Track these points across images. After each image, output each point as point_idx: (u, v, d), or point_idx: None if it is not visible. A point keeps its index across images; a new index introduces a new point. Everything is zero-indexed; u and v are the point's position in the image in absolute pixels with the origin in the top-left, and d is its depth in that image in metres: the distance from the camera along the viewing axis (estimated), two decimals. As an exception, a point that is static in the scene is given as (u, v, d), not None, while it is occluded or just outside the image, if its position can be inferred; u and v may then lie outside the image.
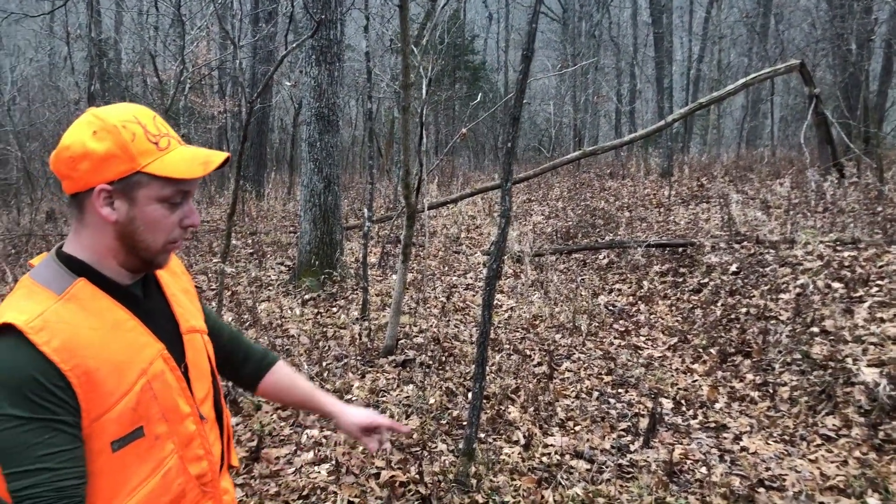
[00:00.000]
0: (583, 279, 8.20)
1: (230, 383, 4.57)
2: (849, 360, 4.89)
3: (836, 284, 6.07)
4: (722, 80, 22.16)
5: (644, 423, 4.53)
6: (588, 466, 3.97)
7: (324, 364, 5.48)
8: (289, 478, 3.81)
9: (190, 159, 1.28)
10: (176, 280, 1.53)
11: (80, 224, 1.29)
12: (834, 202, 8.88)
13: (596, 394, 5.10)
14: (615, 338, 6.32)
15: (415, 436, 4.23)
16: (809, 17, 16.84)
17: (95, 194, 1.24)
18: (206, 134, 19.25)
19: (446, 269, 8.86)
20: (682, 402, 4.97)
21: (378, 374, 5.32)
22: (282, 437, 4.32)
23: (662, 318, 6.74)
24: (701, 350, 5.81)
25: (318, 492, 3.65)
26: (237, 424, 4.48)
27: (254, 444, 4.14)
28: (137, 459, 1.25)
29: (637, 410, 4.83)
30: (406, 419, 4.50)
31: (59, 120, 17.65)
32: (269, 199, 14.96)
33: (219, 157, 1.31)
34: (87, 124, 1.25)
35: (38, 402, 1.12)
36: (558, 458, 4.05)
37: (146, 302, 1.37)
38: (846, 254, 6.65)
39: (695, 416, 4.74)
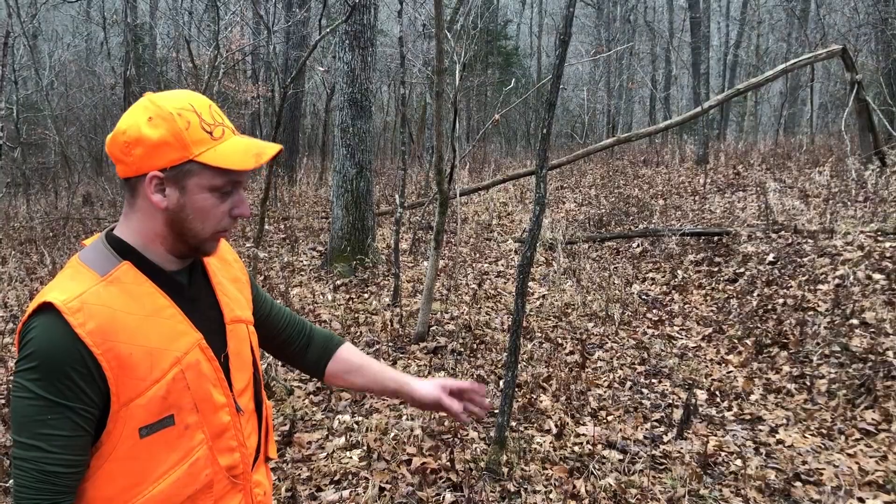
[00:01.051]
0: (616, 268, 8.12)
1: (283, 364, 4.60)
2: (889, 353, 4.79)
3: (876, 276, 5.93)
4: (760, 65, 21.75)
5: (678, 413, 4.48)
6: (620, 457, 3.94)
7: (355, 350, 5.49)
8: (320, 462, 3.83)
9: (243, 151, 1.28)
10: (226, 268, 1.52)
11: (131, 208, 1.30)
12: (875, 191, 8.68)
13: (629, 384, 5.06)
14: (648, 327, 6.26)
15: (446, 423, 4.23)
16: (851, 1, 16.43)
17: (147, 180, 1.25)
18: (240, 119, 19.38)
19: (477, 255, 8.83)
20: (717, 393, 4.90)
21: (409, 361, 5.32)
22: (314, 422, 4.34)
23: (697, 308, 6.66)
24: (736, 341, 5.72)
25: (350, 477, 3.67)
26: (270, 408, 4.51)
27: (286, 428, 4.17)
28: (166, 447, 1.26)
29: (671, 401, 4.77)
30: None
31: (96, 104, 17.89)
32: (301, 184, 15.02)
33: (272, 149, 1.31)
34: (143, 109, 1.25)
35: (53, 382, 1.14)
36: (590, 447, 4.02)
37: (191, 290, 1.37)
38: (888, 244, 6.49)
39: (729, 408, 4.68)
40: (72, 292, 1.19)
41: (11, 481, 1.17)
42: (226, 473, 1.37)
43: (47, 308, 1.17)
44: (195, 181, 1.26)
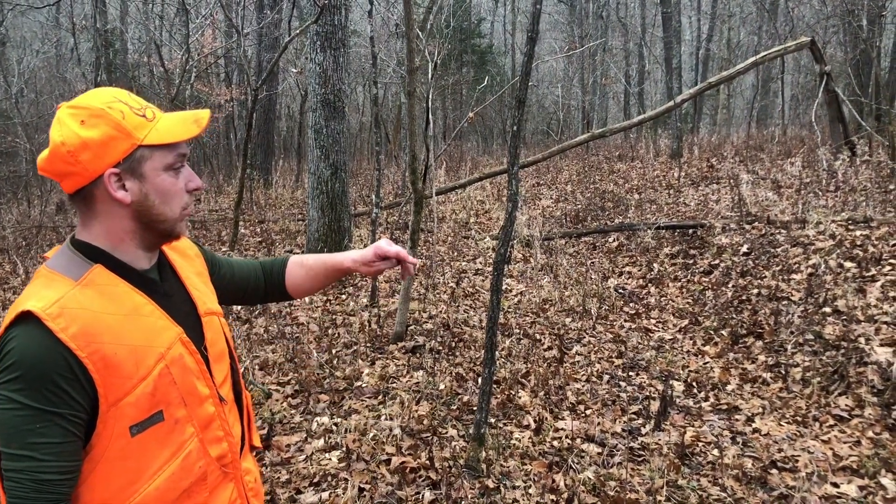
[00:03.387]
0: (592, 262, 8.17)
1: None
2: (861, 339, 4.84)
3: (848, 264, 6.01)
4: (731, 59, 21.97)
5: (655, 405, 4.51)
6: (599, 450, 3.96)
7: (333, 351, 5.49)
8: (300, 465, 3.81)
9: (181, 122, 1.30)
10: (189, 263, 1.53)
11: (91, 216, 1.30)
12: (846, 181, 8.79)
13: (606, 377, 5.08)
14: (625, 321, 6.29)
15: (425, 422, 4.23)
16: (819, -6, 16.61)
17: (106, 180, 1.25)
18: (214, 123, 19.24)
19: (455, 254, 8.84)
20: (694, 384, 4.94)
21: (388, 361, 5.31)
22: (292, 425, 4.32)
23: (673, 301, 6.71)
24: (712, 332, 5.77)
25: (329, 478, 3.66)
26: (248, 412, 4.48)
27: (264, 432, 4.15)
28: (157, 443, 1.26)
29: (648, 393, 4.81)
30: (416, 405, 4.49)
31: (67, 111, 17.62)
32: (277, 186, 14.94)
33: (205, 113, 1.34)
34: (69, 117, 1.25)
35: (40, 390, 1.13)
36: (569, 442, 4.04)
37: (163, 286, 1.38)
38: (858, 233, 6.58)
39: (706, 399, 4.72)
40: (49, 299, 1.18)
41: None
42: (217, 464, 1.38)
43: (26, 317, 1.16)
44: (150, 165, 1.27)
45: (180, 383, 1.29)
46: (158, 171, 1.28)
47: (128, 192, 1.26)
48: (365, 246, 8.57)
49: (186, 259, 1.53)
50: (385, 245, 1.70)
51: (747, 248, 7.07)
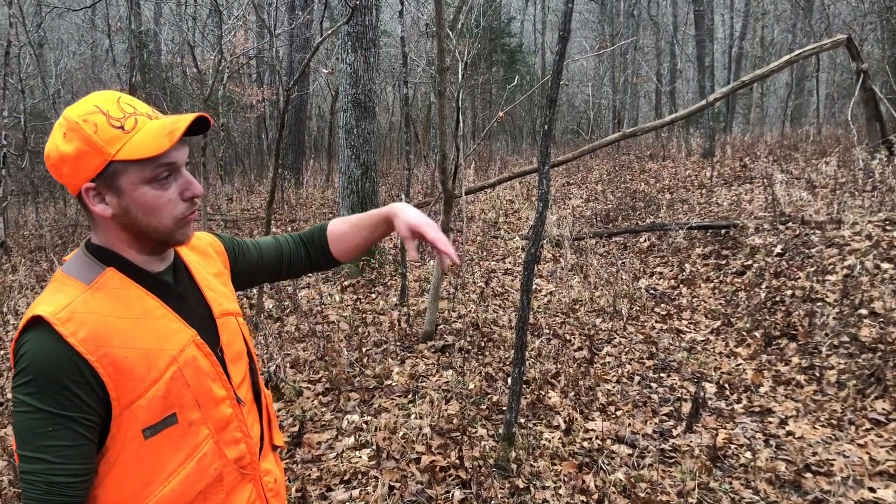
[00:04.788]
0: (623, 263, 8.11)
1: (269, 369, 4.62)
2: (899, 342, 4.76)
3: (885, 265, 5.90)
4: (765, 57, 21.67)
5: (687, 407, 4.47)
6: (630, 451, 3.94)
7: (363, 350, 5.52)
8: (330, 462, 3.84)
9: (156, 133, 1.23)
10: (209, 263, 1.53)
11: (92, 222, 1.31)
12: (883, 180, 8.62)
13: (637, 378, 5.05)
14: (656, 322, 6.24)
15: (454, 421, 4.24)
16: (856, -10, 16.34)
17: (84, 194, 1.25)
18: (246, 122, 19.44)
19: (485, 254, 8.83)
20: (726, 386, 4.89)
21: (417, 360, 5.33)
22: (323, 423, 4.35)
23: (705, 302, 6.64)
24: (745, 333, 5.70)
25: (360, 476, 3.68)
26: (279, 410, 4.53)
27: (296, 429, 4.18)
28: (172, 446, 1.26)
29: (679, 395, 4.77)
30: (446, 404, 4.50)
31: (103, 112, 17.91)
32: (307, 186, 15.06)
33: (185, 120, 1.26)
34: (59, 127, 1.25)
35: (51, 394, 1.15)
36: (599, 443, 4.02)
37: (177, 288, 1.38)
38: (895, 234, 6.46)
39: (739, 401, 4.66)
40: (59, 304, 1.19)
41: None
42: (234, 465, 1.38)
43: (37, 322, 1.18)
44: (126, 180, 1.24)
45: (194, 385, 1.29)
46: (137, 184, 1.24)
47: (108, 205, 1.25)
48: (395, 245, 8.60)
49: (207, 259, 1.53)
50: (431, 230, 1.59)
51: (781, 249, 6.97)
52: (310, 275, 7.98)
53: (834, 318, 5.35)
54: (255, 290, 6.50)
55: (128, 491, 1.23)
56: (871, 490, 3.48)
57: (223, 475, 1.35)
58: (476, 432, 4.14)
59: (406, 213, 1.63)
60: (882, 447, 3.89)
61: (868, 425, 4.14)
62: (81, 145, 1.21)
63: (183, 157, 1.30)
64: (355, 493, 3.53)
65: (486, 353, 5.43)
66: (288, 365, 5.22)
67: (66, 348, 1.16)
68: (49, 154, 1.25)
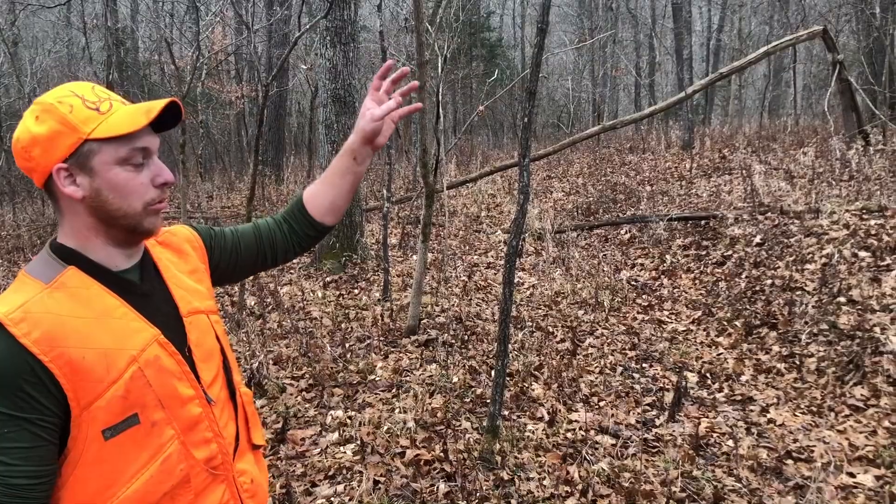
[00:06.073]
0: (605, 255, 8.15)
1: (251, 366, 4.59)
2: (877, 329, 4.82)
3: (862, 253, 5.97)
4: (743, 49, 21.78)
5: (669, 397, 4.51)
6: (613, 442, 3.96)
7: (347, 345, 5.51)
8: (314, 458, 3.83)
9: (132, 113, 1.25)
10: (184, 260, 1.50)
11: (60, 213, 1.29)
12: (859, 170, 8.73)
13: (620, 369, 5.08)
14: (638, 313, 6.28)
15: (439, 414, 4.24)
16: (831, -18, 16.47)
17: (55, 175, 1.23)
18: (225, 119, 19.32)
19: (467, 248, 8.84)
20: (708, 375, 4.93)
21: (401, 355, 5.33)
22: (307, 419, 4.34)
23: (686, 292, 6.69)
24: (725, 323, 5.75)
25: (344, 471, 3.68)
26: (262, 407, 4.51)
27: (279, 425, 4.17)
28: (134, 447, 1.24)
29: (662, 385, 4.80)
30: (430, 398, 4.51)
31: (80, 110, 17.73)
32: (288, 182, 14.98)
33: (160, 103, 1.26)
34: (30, 113, 1.25)
35: (7, 395, 1.13)
36: (583, 433, 4.04)
37: (143, 286, 1.35)
38: (872, 222, 6.54)
39: (720, 390, 4.71)
40: (13, 304, 1.18)
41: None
42: (203, 466, 1.35)
43: None
44: (99, 159, 1.24)
45: (157, 385, 1.27)
46: (110, 165, 1.24)
47: (78, 187, 1.24)
48: (377, 241, 8.58)
49: (181, 256, 1.50)
50: (372, 111, 1.58)
51: (760, 239, 7.04)
52: (291, 271, 7.96)
53: (813, 307, 5.41)
54: (236, 288, 6.47)
55: (91, 492, 1.21)
56: (851, 475, 3.53)
57: (191, 476, 1.32)
58: (460, 425, 4.15)
59: (360, 127, 1.61)
60: (861, 433, 3.94)
61: (847, 411, 4.19)
62: (56, 125, 1.21)
63: (156, 144, 1.31)
64: (340, 488, 3.52)
65: (470, 347, 5.44)
66: (271, 362, 5.20)
67: (19, 349, 1.14)
68: (19, 138, 1.24)
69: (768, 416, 4.26)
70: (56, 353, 1.16)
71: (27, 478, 1.15)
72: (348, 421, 4.22)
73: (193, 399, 1.34)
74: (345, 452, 3.87)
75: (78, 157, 1.23)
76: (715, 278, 6.75)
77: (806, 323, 5.27)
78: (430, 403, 4.40)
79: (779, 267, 6.33)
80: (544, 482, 3.53)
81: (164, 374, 1.29)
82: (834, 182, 8.49)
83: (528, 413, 4.34)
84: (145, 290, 1.35)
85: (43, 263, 1.27)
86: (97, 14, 17.81)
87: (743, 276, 6.49)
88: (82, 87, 1.28)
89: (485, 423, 3.91)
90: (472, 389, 4.66)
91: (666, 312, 6.26)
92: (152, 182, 1.30)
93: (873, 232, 6.31)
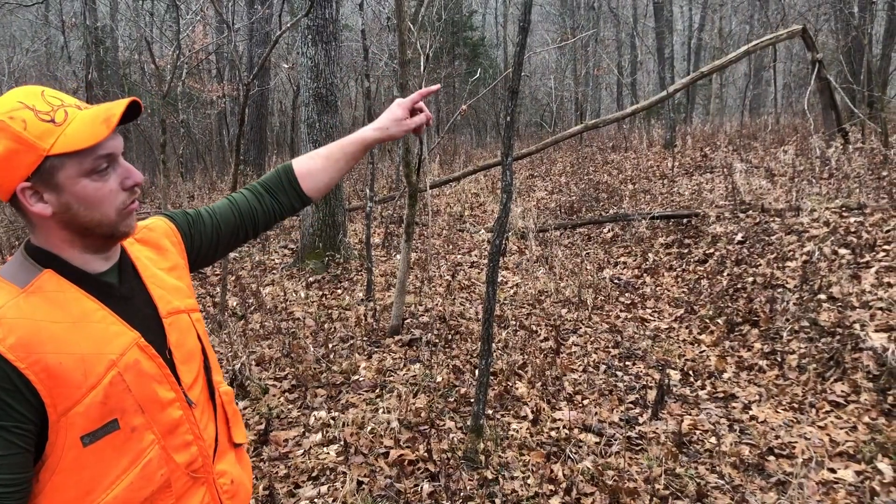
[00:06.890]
0: (587, 253, 8.17)
1: (234, 367, 4.56)
2: (856, 325, 4.86)
3: (842, 250, 6.02)
4: (724, 48, 21.91)
5: (652, 395, 4.52)
6: (597, 440, 3.97)
7: (330, 346, 5.48)
8: (298, 459, 3.81)
9: (91, 122, 1.19)
10: (163, 257, 1.47)
11: (30, 225, 1.25)
12: (839, 168, 8.80)
13: (603, 367, 5.09)
14: (621, 311, 6.30)
15: (422, 414, 4.23)
16: (811, -18, 16.60)
17: (20, 195, 1.18)
18: (206, 119, 19.18)
19: (451, 247, 8.83)
20: (690, 372, 4.96)
21: (385, 354, 5.31)
22: (290, 420, 4.32)
23: (668, 290, 6.72)
24: (708, 320, 5.78)
25: (328, 472, 3.66)
26: (244, 408, 4.48)
27: (262, 427, 4.14)
28: (114, 452, 1.21)
29: (645, 383, 4.82)
30: (414, 398, 4.49)
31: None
32: (270, 182, 14.89)
33: (119, 106, 1.21)
34: None
35: None
36: (567, 432, 4.05)
37: (121, 288, 1.32)
38: (852, 219, 6.60)
39: (703, 387, 4.73)
40: None
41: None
42: (184, 470, 1.33)
43: None
44: (64, 174, 1.18)
45: (136, 390, 1.24)
46: (76, 178, 1.19)
47: (47, 204, 1.19)
48: (360, 240, 8.55)
49: (161, 252, 1.47)
50: (405, 101, 1.70)
51: (742, 237, 7.08)
52: (274, 271, 7.91)
53: (794, 304, 5.45)
54: (217, 288, 6.43)
55: (70, 498, 1.19)
56: (832, 471, 3.55)
57: (171, 481, 1.30)
58: (444, 425, 4.14)
59: (376, 123, 1.69)
60: (841, 429, 3.97)
61: (828, 408, 4.22)
62: (11, 143, 1.15)
63: (119, 146, 1.25)
64: (323, 489, 3.50)
65: (454, 346, 5.43)
66: (253, 363, 5.17)
67: None
68: None
69: (750, 412, 4.28)
70: (32, 360, 1.13)
71: (2, 486, 1.12)
72: (332, 421, 4.20)
73: (174, 402, 1.32)
74: (328, 453, 3.85)
75: (41, 175, 1.18)
76: (697, 276, 6.79)
77: (787, 320, 5.30)
78: (413, 403, 4.39)
79: (760, 264, 6.38)
80: (528, 481, 3.53)
81: (144, 378, 1.26)
82: (814, 180, 8.56)
83: (511, 412, 4.34)
84: (124, 293, 1.32)
85: (18, 266, 1.23)
86: (76, 12, 17.62)
87: (724, 273, 6.53)
88: (31, 94, 1.21)
89: (469, 423, 3.90)
90: (456, 389, 4.65)
91: (649, 310, 6.29)
92: (122, 186, 1.26)
93: (853, 229, 6.37)
